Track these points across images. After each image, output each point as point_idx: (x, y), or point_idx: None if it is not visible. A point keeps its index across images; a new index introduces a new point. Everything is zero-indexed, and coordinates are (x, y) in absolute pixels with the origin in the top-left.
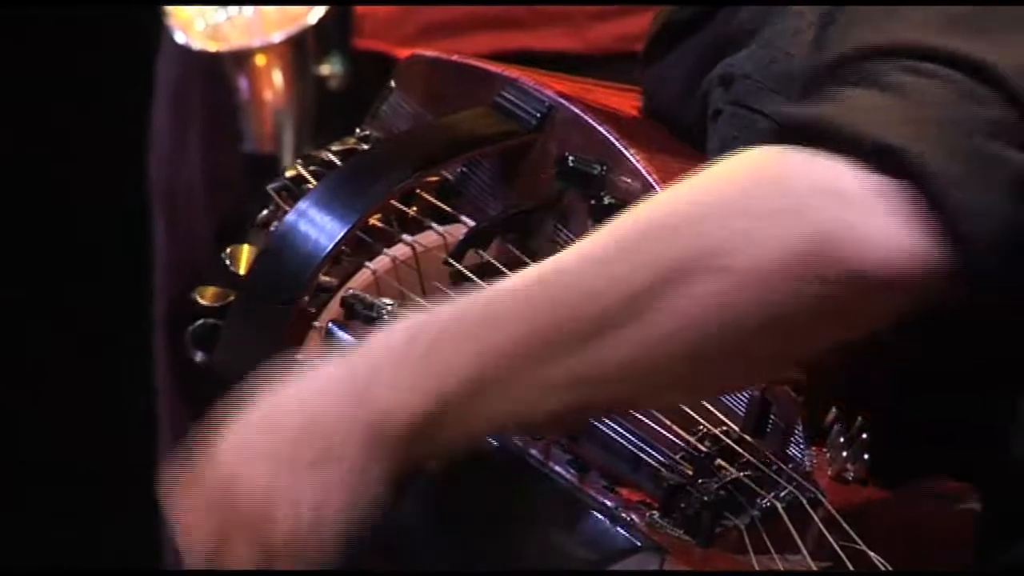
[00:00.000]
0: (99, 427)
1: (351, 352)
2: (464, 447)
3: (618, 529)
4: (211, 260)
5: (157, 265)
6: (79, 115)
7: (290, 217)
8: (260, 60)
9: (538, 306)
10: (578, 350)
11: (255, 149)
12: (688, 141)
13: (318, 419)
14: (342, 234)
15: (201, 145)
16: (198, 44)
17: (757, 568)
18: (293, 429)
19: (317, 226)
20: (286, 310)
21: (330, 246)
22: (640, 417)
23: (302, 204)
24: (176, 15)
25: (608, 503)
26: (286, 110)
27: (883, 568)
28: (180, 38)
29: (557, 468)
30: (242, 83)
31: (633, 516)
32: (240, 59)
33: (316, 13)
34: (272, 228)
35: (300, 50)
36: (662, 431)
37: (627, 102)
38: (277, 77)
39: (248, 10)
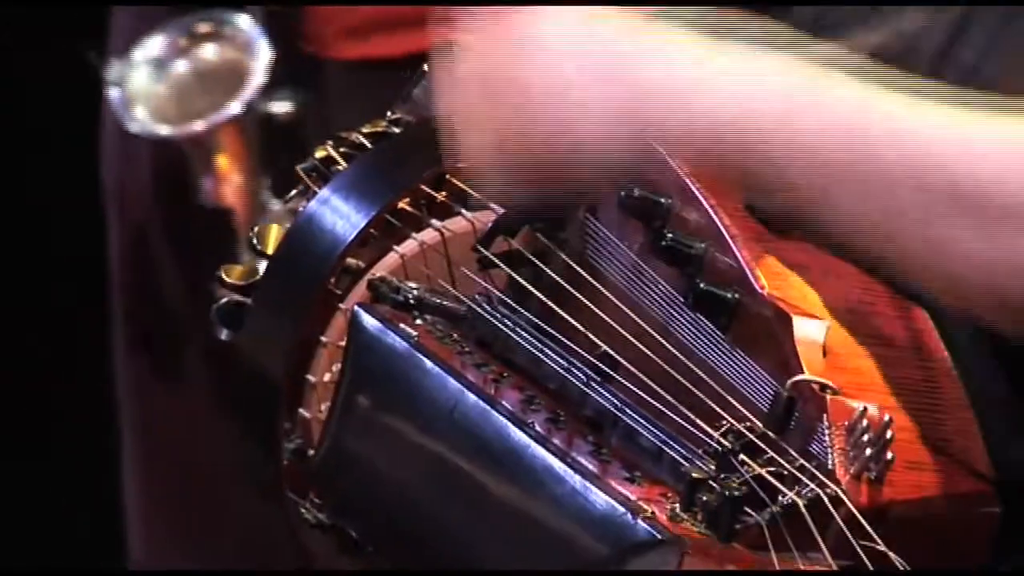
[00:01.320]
0: (59, 420)
1: None
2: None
3: (638, 521)
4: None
5: (112, 259)
6: (33, 119)
7: (320, 197)
8: (211, 134)
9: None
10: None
11: (209, 202)
12: None
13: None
14: (371, 216)
15: (149, 143)
16: (160, 131)
17: (777, 566)
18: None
19: (347, 208)
20: (313, 290)
21: (359, 228)
22: (663, 410)
23: (332, 185)
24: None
25: (629, 495)
26: (241, 164)
27: (901, 567)
28: (136, 127)
29: (579, 458)
30: (196, 153)
31: (654, 509)
32: (195, 139)
33: (260, 68)
34: (301, 208)
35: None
36: (685, 424)
37: None
38: (226, 137)
39: (184, 67)
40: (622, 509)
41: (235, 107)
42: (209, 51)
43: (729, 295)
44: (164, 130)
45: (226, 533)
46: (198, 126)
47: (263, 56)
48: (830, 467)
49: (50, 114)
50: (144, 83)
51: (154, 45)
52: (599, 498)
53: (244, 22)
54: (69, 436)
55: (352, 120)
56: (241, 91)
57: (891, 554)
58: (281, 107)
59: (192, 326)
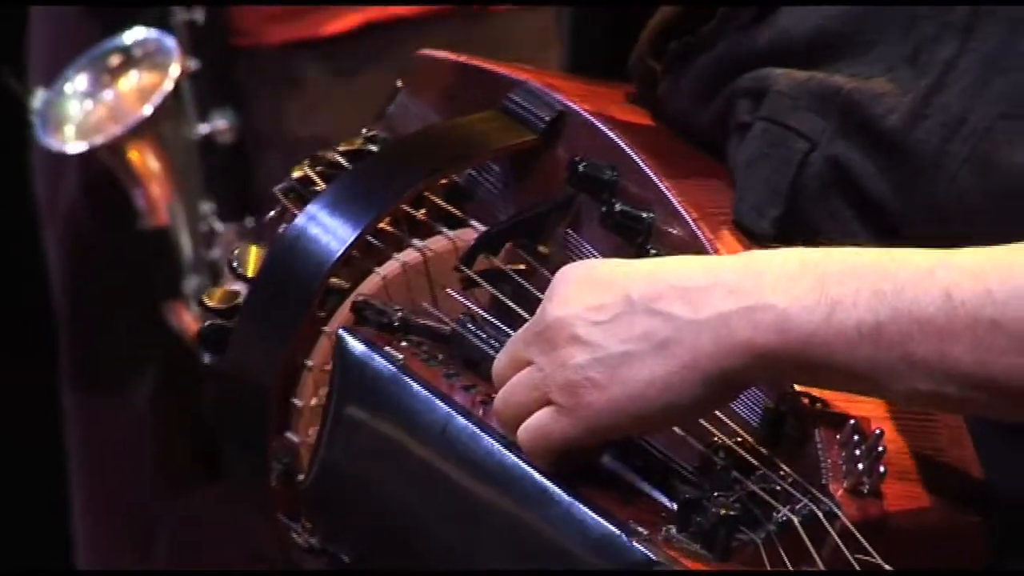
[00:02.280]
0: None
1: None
2: (789, 381)
3: (633, 543)
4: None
5: (51, 278)
6: None
7: (300, 220)
8: (129, 143)
9: (968, 299)
10: (994, 356)
11: (147, 225)
12: (700, 149)
13: (688, 296)
14: (354, 238)
15: (76, 161)
16: (69, 146)
17: None
18: (645, 300)
19: (328, 229)
20: (297, 315)
21: (341, 250)
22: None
23: (312, 207)
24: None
25: (624, 516)
26: (170, 179)
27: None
28: (52, 144)
29: (573, 479)
30: (119, 165)
31: (649, 530)
32: (111, 148)
33: (169, 81)
34: (281, 230)
35: (165, 117)
36: (678, 443)
37: (637, 105)
38: (150, 152)
39: (107, 94)
40: (617, 531)
41: (136, 119)
42: (132, 78)
43: None
44: (73, 146)
45: (162, 548)
46: (99, 139)
47: (173, 70)
48: (823, 482)
49: None
50: (70, 109)
51: (80, 80)
52: (594, 520)
53: (156, 42)
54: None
55: (292, 129)
56: (150, 105)
57: (887, 567)
58: (217, 127)
59: (133, 345)
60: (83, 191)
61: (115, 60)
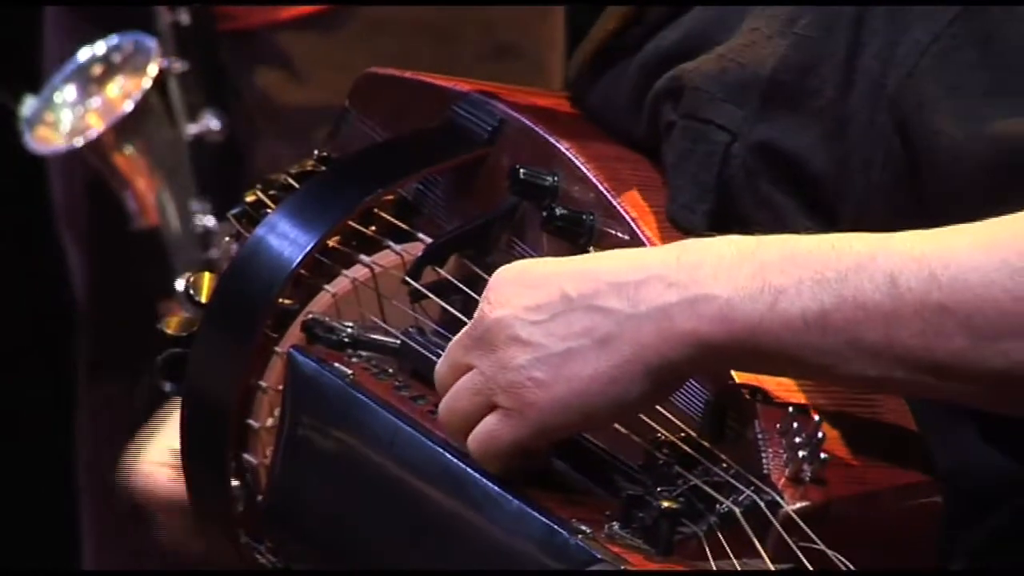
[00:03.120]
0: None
1: (660, 248)
2: (736, 370)
3: (576, 540)
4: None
5: (72, 273)
6: None
7: (249, 242)
8: (112, 141)
9: (913, 284)
10: (942, 340)
11: (138, 225)
12: (641, 155)
13: (625, 291)
14: (301, 257)
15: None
16: (50, 147)
17: None
18: (584, 297)
19: (276, 250)
20: (250, 332)
21: (289, 269)
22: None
23: (260, 229)
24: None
25: (567, 515)
26: (159, 179)
27: (844, 568)
28: (38, 148)
29: (517, 481)
30: (107, 170)
31: (592, 528)
32: (95, 149)
33: (148, 79)
34: (232, 254)
35: (151, 118)
36: (619, 440)
37: (577, 111)
38: (135, 152)
39: (95, 100)
40: (559, 530)
41: (116, 118)
42: (117, 83)
43: None
44: (57, 148)
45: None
46: (81, 140)
47: (151, 71)
48: (765, 472)
49: None
50: (60, 116)
51: (69, 90)
52: (536, 519)
53: (134, 45)
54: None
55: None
56: (130, 102)
57: (831, 553)
58: (208, 128)
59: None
60: (86, 195)
61: (97, 69)
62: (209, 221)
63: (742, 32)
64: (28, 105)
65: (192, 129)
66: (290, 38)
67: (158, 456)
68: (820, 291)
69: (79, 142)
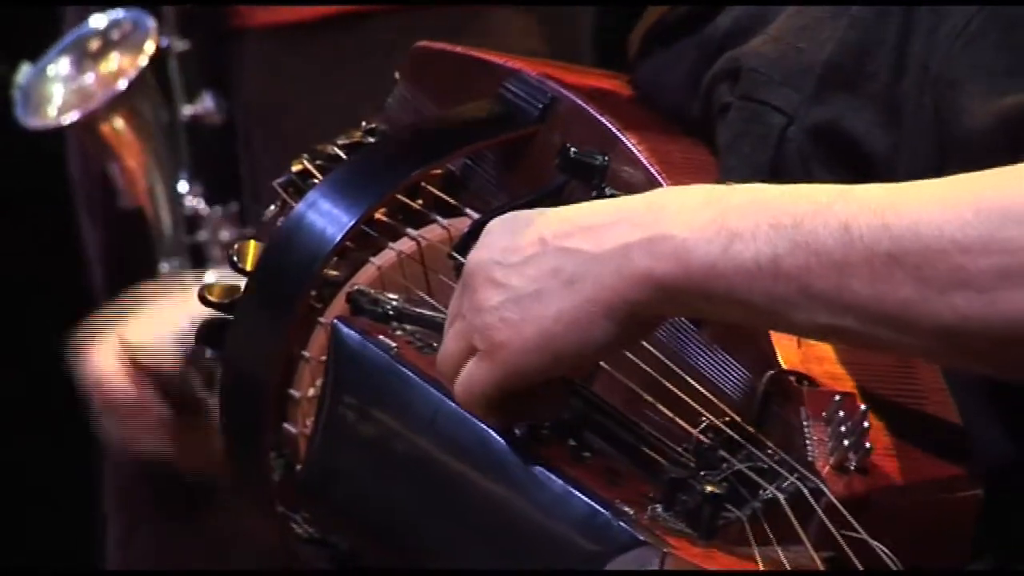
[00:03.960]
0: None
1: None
2: (692, 315)
3: (619, 523)
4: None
5: (89, 257)
6: None
7: (295, 212)
8: (106, 119)
9: (865, 232)
10: (890, 290)
11: (126, 204)
12: (693, 136)
13: (594, 232)
14: (347, 229)
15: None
16: (41, 122)
17: (760, 562)
18: (556, 238)
19: (322, 221)
20: (293, 305)
21: (335, 241)
22: (644, 410)
23: (309, 198)
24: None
25: (610, 496)
26: (148, 159)
27: (885, 555)
28: (29, 122)
29: (560, 462)
30: (97, 146)
31: (635, 510)
32: (86, 125)
33: (144, 56)
34: (278, 223)
35: (146, 97)
36: (664, 423)
37: (629, 92)
38: (126, 130)
39: (89, 77)
40: (603, 511)
41: (108, 95)
42: (112, 60)
43: None
44: (45, 122)
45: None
46: (73, 116)
47: (148, 49)
48: (809, 459)
49: None
50: (52, 91)
51: (63, 63)
52: (580, 501)
53: (133, 22)
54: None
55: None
56: (124, 80)
57: (873, 542)
58: (205, 109)
59: None
60: (85, 171)
61: (94, 44)
62: (199, 204)
63: (796, 12)
64: (24, 74)
65: (189, 110)
66: (288, 43)
67: (111, 349)
68: (775, 236)
69: (72, 117)
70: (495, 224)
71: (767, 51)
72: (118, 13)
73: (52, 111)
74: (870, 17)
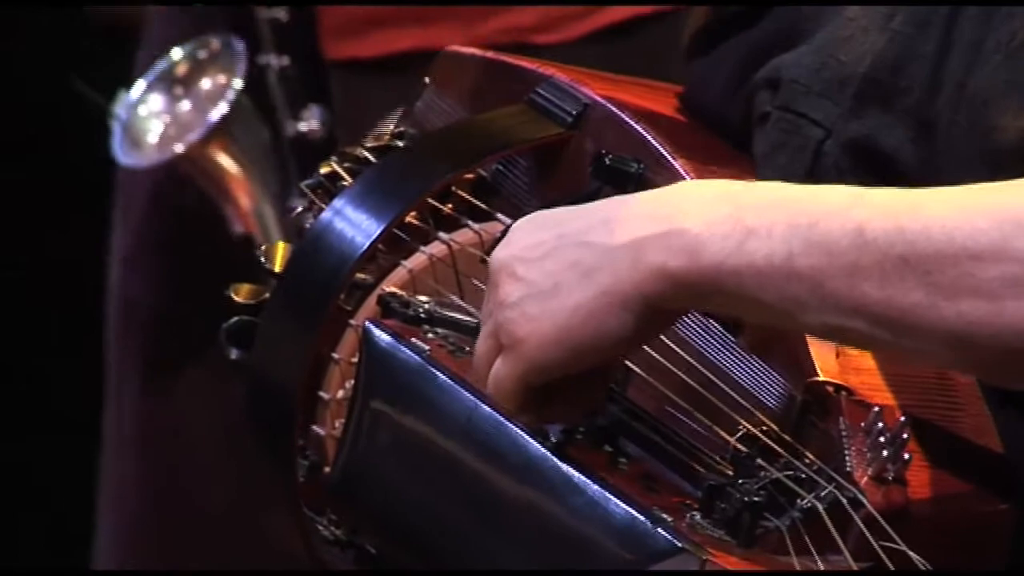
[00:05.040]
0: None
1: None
2: (707, 310)
3: (658, 530)
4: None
5: (112, 260)
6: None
7: (326, 214)
8: (207, 147)
9: (879, 235)
10: (901, 293)
11: (241, 230)
12: (732, 141)
13: (611, 226)
14: (379, 232)
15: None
16: (145, 159)
17: (798, 569)
18: (576, 233)
19: (354, 223)
20: (322, 308)
21: (367, 244)
22: (679, 416)
23: (338, 201)
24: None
25: (648, 503)
26: (253, 183)
27: (923, 566)
28: (125, 160)
29: (597, 468)
30: (203, 176)
31: (673, 517)
32: (189, 157)
33: (239, 81)
34: (308, 225)
35: (243, 118)
36: (702, 431)
37: (663, 100)
38: (228, 157)
39: (184, 104)
40: (641, 518)
41: (206, 124)
42: (206, 84)
43: None
44: (144, 158)
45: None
46: (174, 148)
47: (241, 72)
48: (848, 469)
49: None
50: (148, 125)
51: (154, 99)
52: (618, 508)
53: (223, 44)
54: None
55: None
56: (225, 104)
57: (912, 554)
58: (309, 125)
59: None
60: (154, 185)
61: (182, 68)
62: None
63: (841, 22)
64: (122, 104)
65: (293, 127)
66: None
67: None
68: (790, 235)
69: (174, 150)
70: (520, 223)
71: (809, 62)
72: (202, 39)
73: (149, 147)
74: (911, 31)
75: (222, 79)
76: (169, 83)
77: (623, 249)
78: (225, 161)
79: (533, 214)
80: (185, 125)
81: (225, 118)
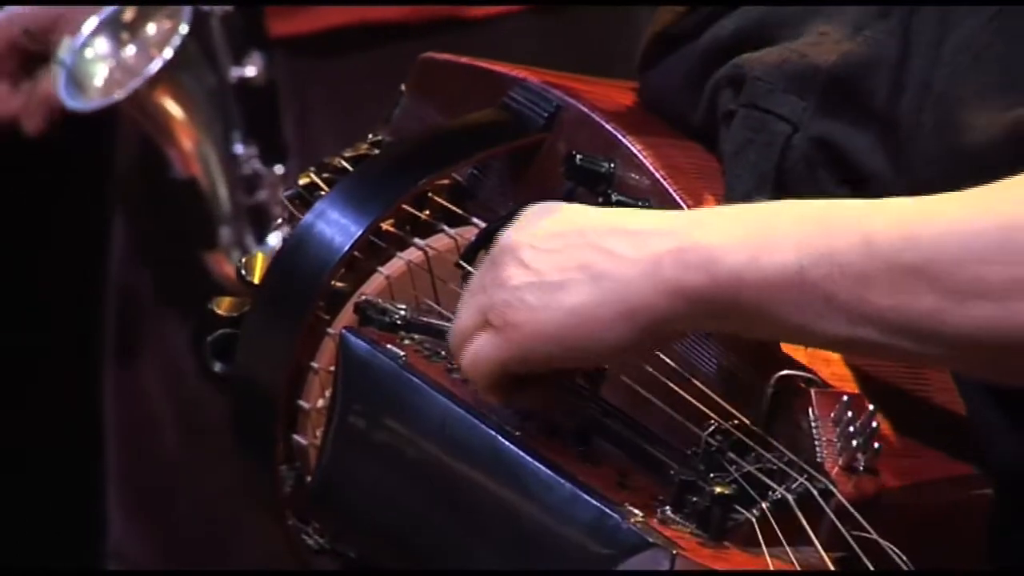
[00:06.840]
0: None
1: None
2: (719, 329)
3: (628, 525)
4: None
5: (114, 259)
6: None
7: (303, 223)
8: (152, 92)
9: (887, 244)
10: (912, 300)
11: (180, 174)
12: (697, 142)
13: (633, 237)
14: (354, 239)
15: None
16: (87, 103)
17: (769, 562)
18: (595, 235)
19: (329, 232)
20: (301, 318)
21: (343, 252)
22: (650, 411)
23: (315, 210)
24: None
25: (619, 499)
26: (198, 127)
27: (895, 556)
28: (72, 104)
29: (568, 466)
30: (148, 119)
31: (644, 512)
32: (134, 101)
33: (184, 26)
34: (285, 236)
35: (189, 64)
36: (672, 426)
37: (633, 99)
38: (172, 102)
39: (130, 49)
40: (611, 514)
41: (153, 68)
42: (151, 29)
43: None
44: (90, 103)
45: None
46: (120, 93)
47: (186, 19)
48: (819, 460)
49: None
50: (94, 70)
51: (100, 42)
52: (589, 504)
53: None
54: (51, 440)
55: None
56: (169, 49)
57: (883, 543)
58: (251, 71)
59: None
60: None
61: (129, 15)
62: (256, 164)
63: (811, 34)
64: (66, 49)
65: (236, 72)
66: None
67: None
68: (803, 248)
69: (119, 95)
70: (535, 207)
71: (771, 59)
72: None
73: (95, 92)
74: (880, 37)
75: (167, 25)
76: (116, 28)
77: (639, 262)
78: (170, 105)
79: (550, 203)
80: (130, 70)
81: (170, 63)
